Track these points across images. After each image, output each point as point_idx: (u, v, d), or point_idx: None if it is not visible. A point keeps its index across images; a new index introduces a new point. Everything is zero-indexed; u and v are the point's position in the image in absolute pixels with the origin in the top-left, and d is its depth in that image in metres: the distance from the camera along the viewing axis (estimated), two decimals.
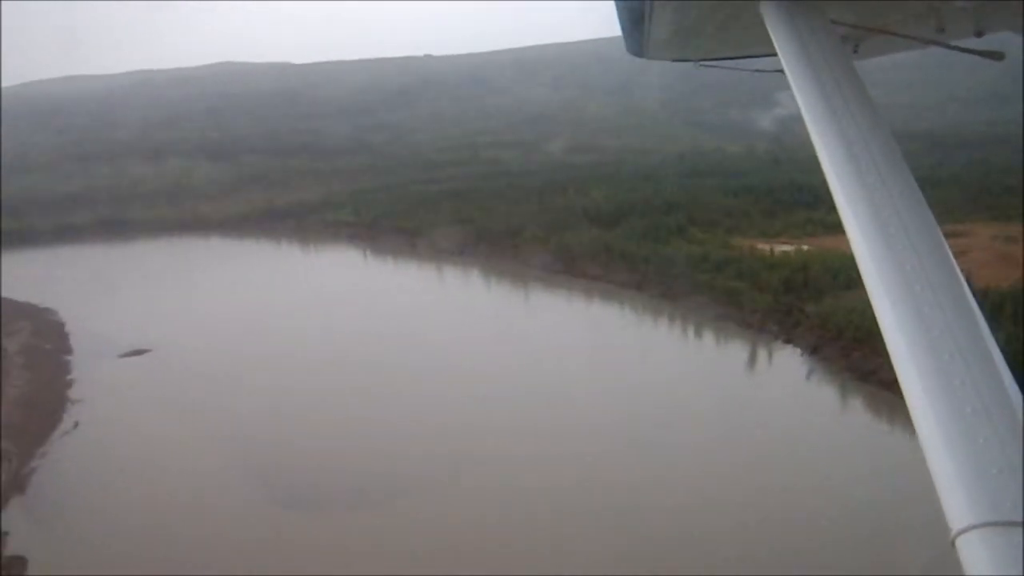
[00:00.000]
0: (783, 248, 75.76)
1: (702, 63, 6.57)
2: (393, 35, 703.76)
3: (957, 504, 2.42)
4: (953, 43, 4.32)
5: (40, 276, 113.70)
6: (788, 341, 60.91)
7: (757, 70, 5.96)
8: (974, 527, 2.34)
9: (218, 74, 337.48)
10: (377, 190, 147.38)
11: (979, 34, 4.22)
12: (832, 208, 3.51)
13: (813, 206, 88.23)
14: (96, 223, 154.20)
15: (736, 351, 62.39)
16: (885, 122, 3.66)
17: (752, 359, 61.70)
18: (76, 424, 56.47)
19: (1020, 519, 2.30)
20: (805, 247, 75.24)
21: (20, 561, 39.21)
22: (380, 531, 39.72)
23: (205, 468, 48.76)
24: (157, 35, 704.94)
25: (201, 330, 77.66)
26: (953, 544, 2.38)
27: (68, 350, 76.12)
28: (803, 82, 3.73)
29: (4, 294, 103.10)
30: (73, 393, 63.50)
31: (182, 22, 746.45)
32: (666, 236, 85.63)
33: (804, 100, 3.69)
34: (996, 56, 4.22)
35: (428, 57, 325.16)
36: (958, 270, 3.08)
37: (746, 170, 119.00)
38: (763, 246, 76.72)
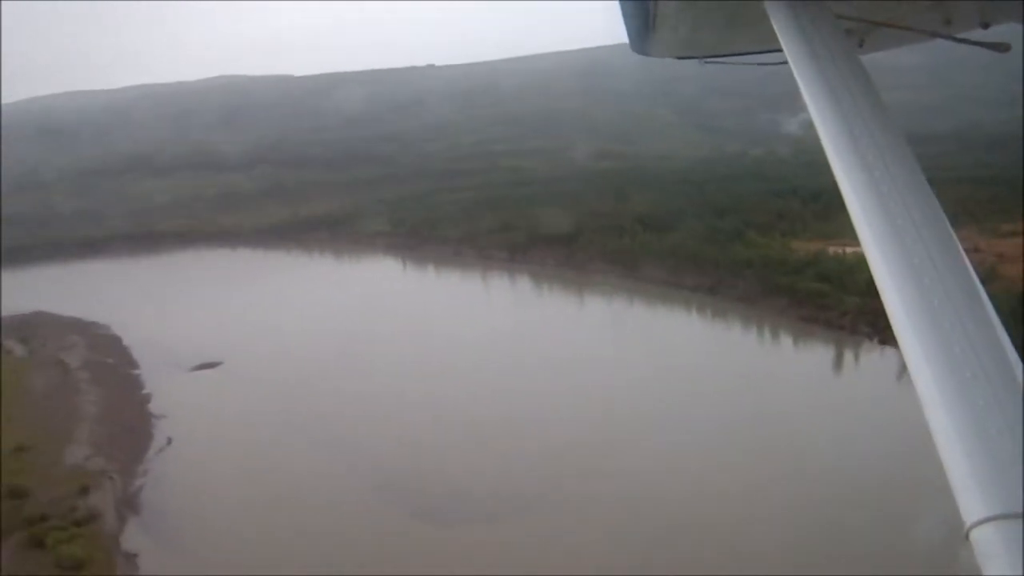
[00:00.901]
0: (854, 250, 74.35)
1: (707, 60, 6.33)
2: (392, 47, 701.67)
3: (971, 497, 2.37)
4: (959, 36, 4.25)
5: (75, 290, 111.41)
6: (883, 343, 59.57)
7: (761, 64, 5.83)
8: (988, 520, 2.29)
9: (219, 87, 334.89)
10: (403, 200, 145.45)
11: (985, 26, 4.12)
12: None
13: None
14: (118, 237, 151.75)
15: (830, 353, 61.08)
16: (891, 115, 3.51)
17: (840, 360, 60.69)
18: (169, 440, 54.37)
19: None
20: None
21: None
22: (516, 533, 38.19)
23: (312, 479, 47.01)
24: (155, 50, 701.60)
25: (264, 342, 75.35)
26: (967, 537, 2.32)
27: (133, 364, 73.87)
28: (809, 78, 3.65)
29: (43, 308, 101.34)
30: (154, 408, 61.38)
31: (180, 37, 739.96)
32: (723, 240, 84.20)
33: (810, 95, 3.61)
34: (1002, 48, 4.05)
35: (431, 67, 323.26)
36: (967, 262, 2.96)
37: (782, 174, 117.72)
38: (835, 248, 75.39)
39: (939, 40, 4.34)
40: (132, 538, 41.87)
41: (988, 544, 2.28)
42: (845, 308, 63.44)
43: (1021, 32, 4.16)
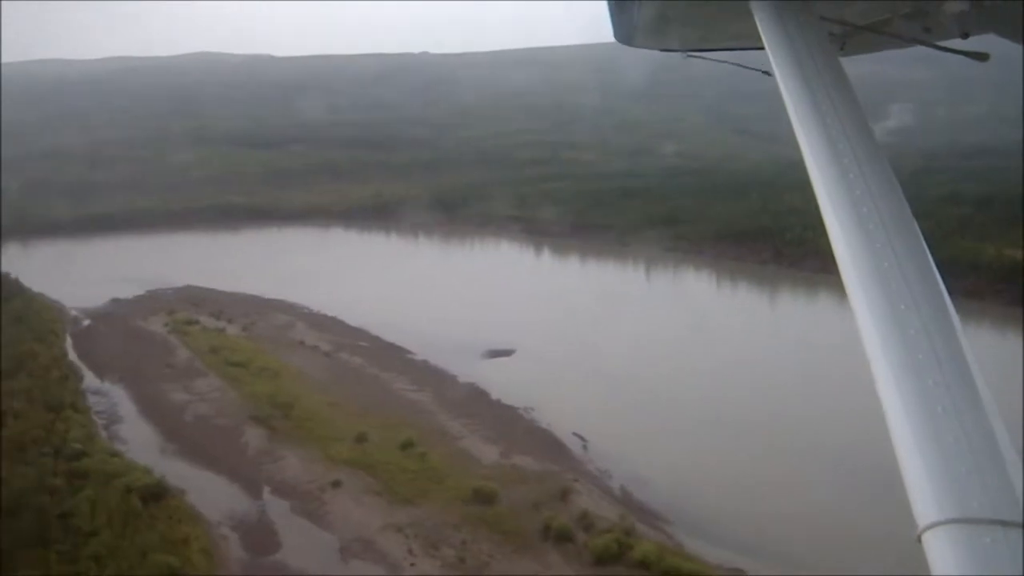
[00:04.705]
0: None
1: (690, 54, 5.92)
2: (381, 31, 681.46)
3: (924, 501, 2.37)
4: (939, 43, 4.18)
5: (191, 264, 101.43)
6: None
7: (741, 64, 5.54)
8: (940, 524, 2.30)
9: (200, 64, 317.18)
10: (488, 185, 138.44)
11: (965, 35, 4.06)
12: None
13: None
14: (195, 210, 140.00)
15: None
16: (867, 119, 3.48)
17: None
18: (584, 439, 47.92)
19: (984, 517, 2.28)
20: None
21: None
22: None
23: (781, 475, 42.08)
24: (128, 22, 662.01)
25: (524, 330, 68.53)
26: (919, 540, 2.29)
27: (396, 348, 65.93)
28: (789, 77, 3.60)
29: (182, 281, 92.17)
30: (502, 398, 54.41)
31: (151, 10, 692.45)
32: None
33: (789, 95, 3.55)
34: (981, 57, 3.98)
35: (425, 54, 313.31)
36: (934, 268, 2.95)
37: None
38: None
39: (951, 56, 4.12)
40: (702, 549, 36.04)
41: (939, 548, 2.24)
42: None
43: (999, 42, 4.00)
